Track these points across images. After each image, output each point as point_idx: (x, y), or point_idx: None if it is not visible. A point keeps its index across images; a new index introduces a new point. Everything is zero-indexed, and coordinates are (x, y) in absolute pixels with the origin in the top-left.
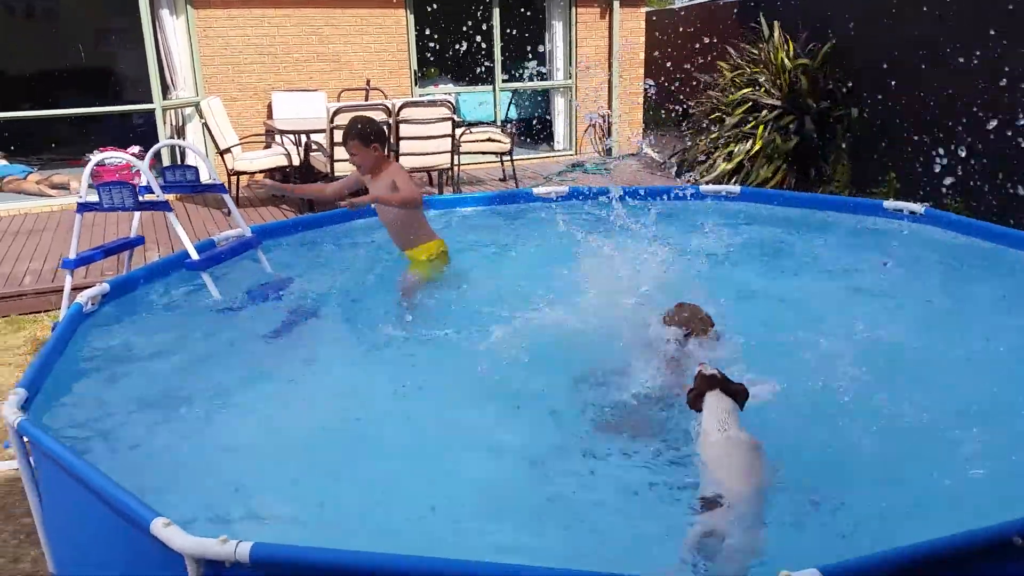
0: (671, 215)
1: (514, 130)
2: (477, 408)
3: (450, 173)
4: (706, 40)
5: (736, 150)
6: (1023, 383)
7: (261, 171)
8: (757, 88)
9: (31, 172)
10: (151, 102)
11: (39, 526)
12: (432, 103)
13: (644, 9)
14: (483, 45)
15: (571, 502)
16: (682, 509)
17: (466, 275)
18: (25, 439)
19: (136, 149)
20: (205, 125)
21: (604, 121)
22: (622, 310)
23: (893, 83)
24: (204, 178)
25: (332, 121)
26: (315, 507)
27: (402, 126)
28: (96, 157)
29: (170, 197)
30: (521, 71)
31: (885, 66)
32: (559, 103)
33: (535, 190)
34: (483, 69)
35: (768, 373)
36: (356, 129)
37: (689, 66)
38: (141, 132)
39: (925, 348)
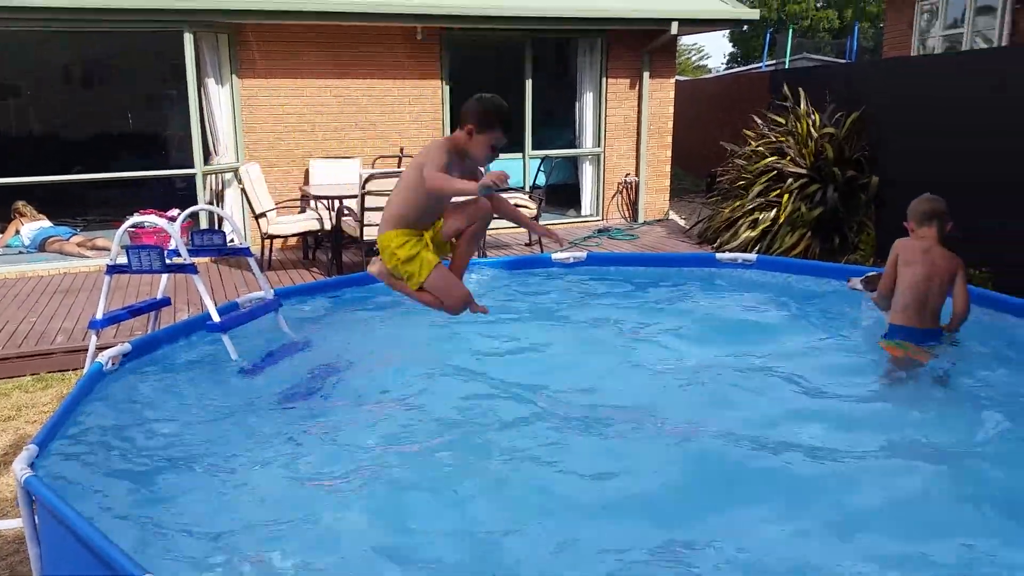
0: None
1: (542, 196)
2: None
3: None
4: (736, 109)
5: (761, 218)
6: None
7: (294, 235)
8: (782, 157)
9: (75, 234)
10: (193, 167)
11: None
12: None
13: (673, 79)
14: (514, 113)
15: None
16: None
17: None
18: (31, 495)
19: (175, 212)
20: (243, 190)
21: (632, 187)
22: None
23: (919, 153)
24: (232, 242)
25: (364, 187)
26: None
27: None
28: (129, 221)
29: (205, 260)
30: (550, 138)
31: (911, 136)
32: (587, 170)
33: (554, 256)
34: (513, 136)
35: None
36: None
37: (717, 134)
38: (184, 196)
39: None
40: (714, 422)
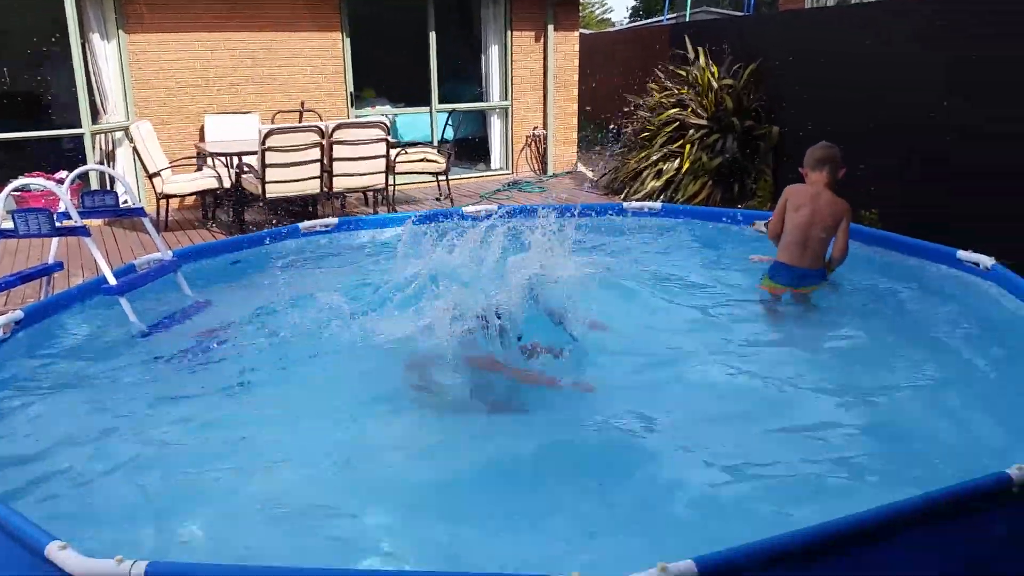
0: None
1: (451, 150)
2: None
3: (385, 193)
4: (638, 62)
5: (665, 168)
6: None
7: (191, 194)
8: (684, 108)
9: None
10: (80, 127)
11: None
12: (366, 124)
13: (578, 32)
14: (420, 67)
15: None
16: None
17: None
18: None
19: (63, 174)
20: (135, 149)
21: (540, 140)
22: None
23: (813, 103)
24: (125, 202)
25: (264, 143)
26: (221, 528)
27: (336, 147)
28: (13, 184)
29: (98, 222)
30: (457, 92)
31: (805, 87)
32: (495, 123)
33: (465, 209)
34: (420, 90)
35: None
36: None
37: (621, 87)
38: (72, 157)
39: None
40: (612, 359)
